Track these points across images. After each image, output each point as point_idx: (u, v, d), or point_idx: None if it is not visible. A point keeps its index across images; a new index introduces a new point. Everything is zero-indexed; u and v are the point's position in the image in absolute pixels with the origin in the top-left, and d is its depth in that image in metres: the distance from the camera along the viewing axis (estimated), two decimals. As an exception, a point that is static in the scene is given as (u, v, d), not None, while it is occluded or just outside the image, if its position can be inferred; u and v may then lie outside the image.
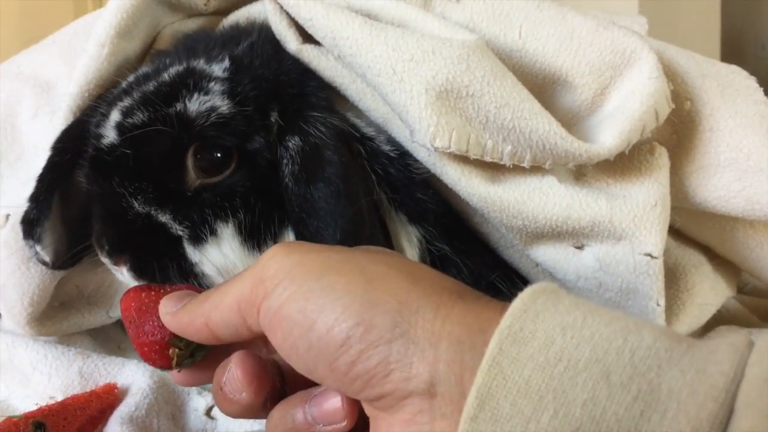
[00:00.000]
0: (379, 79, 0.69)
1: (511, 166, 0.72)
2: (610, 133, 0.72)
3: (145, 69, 0.77)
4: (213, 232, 0.71)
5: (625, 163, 0.76)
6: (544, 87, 0.76)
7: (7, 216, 0.81)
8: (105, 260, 0.73)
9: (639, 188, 0.74)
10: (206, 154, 0.70)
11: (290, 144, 0.71)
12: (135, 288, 0.67)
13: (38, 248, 0.78)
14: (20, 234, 0.79)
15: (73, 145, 0.79)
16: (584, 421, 0.40)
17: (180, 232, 0.71)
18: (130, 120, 0.70)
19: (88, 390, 0.79)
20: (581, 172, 0.76)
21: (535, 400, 0.42)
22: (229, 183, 0.71)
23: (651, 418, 0.39)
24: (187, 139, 0.69)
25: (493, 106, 0.69)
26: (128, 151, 0.70)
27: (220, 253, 0.72)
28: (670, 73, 0.77)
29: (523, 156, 0.70)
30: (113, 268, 0.73)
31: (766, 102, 0.79)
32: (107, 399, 0.77)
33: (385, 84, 0.69)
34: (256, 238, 0.72)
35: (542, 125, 0.69)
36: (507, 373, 0.42)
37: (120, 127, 0.71)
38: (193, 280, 0.71)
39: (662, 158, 0.77)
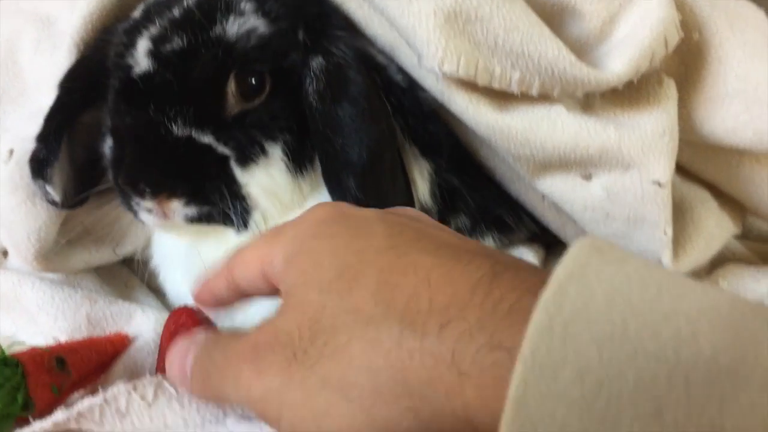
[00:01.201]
0: (386, 2, 0.68)
1: (519, 95, 0.71)
2: (620, 60, 0.71)
3: None
4: (263, 152, 0.71)
5: (633, 93, 0.76)
6: (552, 15, 0.75)
7: (11, 151, 0.80)
8: (145, 205, 0.71)
9: (647, 118, 0.74)
10: (248, 77, 0.69)
11: (314, 63, 0.71)
12: (180, 313, 0.70)
13: (48, 188, 0.77)
14: (25, 169, 0.78)
15: (81, 84, 0.78)
16: None
17: (227, 152, 0.70)
18: (166, 47, 0.69)
19: (95, 335, 0.79)
20: (589, 103, 0.75)
21: None
22: (273, 102, 0.71)
23: None
24: (230, 62, 0.69)
25: (501, 30, 0.68)
26: (167, 78, 0.68)
27: (267, 175, 0.72)
28: (679, 4, 0.77)
29: (532, 83, 0.70)
30: (155, 213, 0.71)
31: None
32: (119, 347, 0.77)
33: (392, 7, 0.68)
34: (298, 160, 0.72)
35: (551, 50, 0.69)
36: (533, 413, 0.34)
37: (155, 55, 0.69)
38: (240, 203, 0.71)
39: (670, 89, 0.77)
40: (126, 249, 0.88)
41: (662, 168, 0.72)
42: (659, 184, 0.72)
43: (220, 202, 0.70)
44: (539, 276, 0.39)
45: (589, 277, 0.36)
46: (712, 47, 0.78)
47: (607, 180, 0.74)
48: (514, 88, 0.70)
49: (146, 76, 0.69)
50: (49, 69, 0.82)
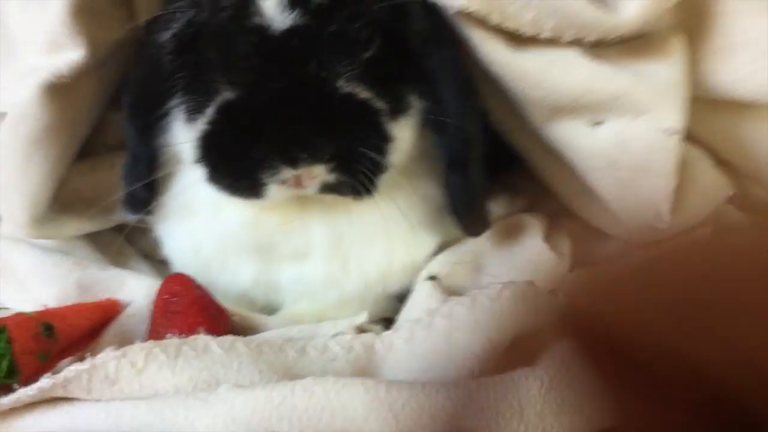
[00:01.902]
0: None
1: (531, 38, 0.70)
2: (632, 4, 0.70)
3: None
4: (408, 104, 0.70)
5: (645, 45, 0.75)
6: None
7: (3, 115, 0.77)
8: (283, 176, 0.66)
9: (661, 66, 0.73)
10: (391, 26, 0.68)
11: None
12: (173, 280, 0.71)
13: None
14: (19, 133, 0.75)
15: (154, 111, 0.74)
16: None
17: (381, 106, 0.68)
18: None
19: (85, 301, 0.76)
20: (602, 52, 0.74)
21: None
22: (404, 54, 0.70)
23: None
24: (374, 11, 0.66)
25: None
26: (320, 31, 0.64)
27: (409, 127, 0.71)
28: None
29: (544, 24, 0.68)
30: (290, 183, 0.67)
31: None
32: (110, 313, 0.75)
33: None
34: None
35: None
36: None
37: (300, 9, 0.64)
38: (386, 158, 0.68)
39: (679, 43, 0.76)
40: (118, 216, 0.85)
41: (675, 116, 0.72)
42: (671, 132, 0.72)
43: (363, 164, 0.67)
44: None
45: None
46: (715, 2, 0.78)
47: (616, 127, 0.73)
48: (527, 29, 0.68)
49: (294, 32, 0.64)
50: (37, 25, 0.78)
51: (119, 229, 0.88)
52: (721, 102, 0.82)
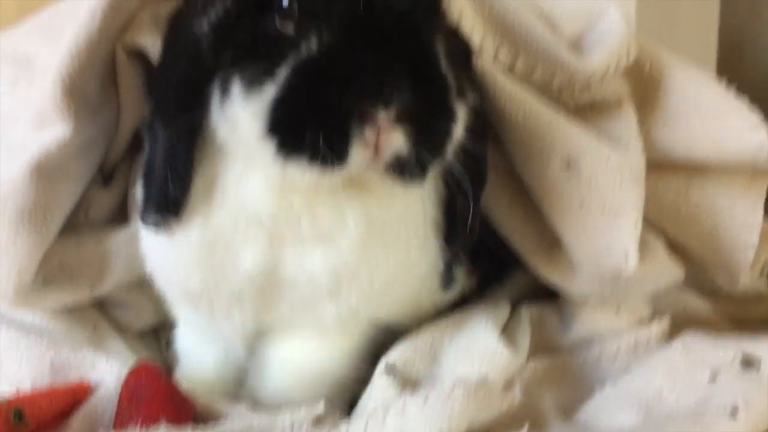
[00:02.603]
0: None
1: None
2: (594, 56, 0.81)
3: None
4: (465, 92, 0.70)
5: (596, 114, 0.84)
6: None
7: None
8: (368, 137, 0.62)
9: (620, 124, 0.84)
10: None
11: None
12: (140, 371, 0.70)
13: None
14: (7, 207, 0.77)
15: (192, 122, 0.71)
16: None
17: (452, 83, 0.66)
18: None
19: (56, 382, 0.77)
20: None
21: None
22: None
23: None
24: None
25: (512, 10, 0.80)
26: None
27: (463, 116, 0.69)
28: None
29: (516, 57, 0.80)
30: (369, 147, 0.63)
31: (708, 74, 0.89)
32: (80, 396, 0.75)
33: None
34: None
35: (539, 27, 0.79)
36: None
37: None
38: (451, 139, 0.67)
39: (629, 110, 0.85)
40: (103, 287, 0.87)
41: (639, 158, 0.81)
42: (637, 172, 0.80)
43: (437, 136, 0.66)
44: None
45: None
46: (663, 74, 0.87)
47: (587, 167, 0.79)
48: (501, 58, 0.80)
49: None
50: (25, 101, 0.83)
51: (98, 304, 0.90)
52: (670, 168, 0.88)
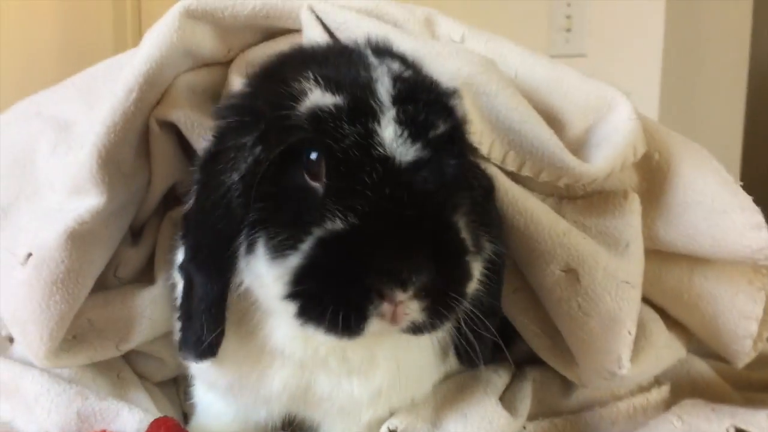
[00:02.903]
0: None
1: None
2: (599, 159, 0.83)
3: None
4: (483, 246, 0.73)
5: (601, 205, 0.87)
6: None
7: (29, 255, 0.84)
8: (386, 308, 0.65)
9: (618, 222, 0.86)
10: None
11: None
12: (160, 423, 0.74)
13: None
14: (42, 273, 0.82)
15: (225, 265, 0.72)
16: None
17: (470, 244, 0.69)
18: (433, 132, 0.68)
19: (83, 431, 0.83)
20: (560, 211, 0.86)
21: None
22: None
23: None
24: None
25: (504, 107, 0.82)
26: (441, 165, 0.68)
27: (480, 269, 0.72)
28: (643, 128, 0.87)
29: (523, 162, 0.83)
30: (387, 317, 0.65)
31: (718, 162, 0.89)
32: None
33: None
34: None
35: (545, 133, 0.81)
36: None
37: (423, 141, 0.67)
38: (466, 300, 0.70)
39: (635, 202, 0.87)
40: (128, 344, 0.92)
41: (635, 270, 0.83)
42: (633, 285, 0.82)
43: (453, 306, 0.68)
44: None
45: None
46: (671, 165, 0.89)
47: (586, 276, 0.82)
48: (508, 165, 0.83)
49: (419, 164, 0.66)
50: (62, 168, 0.88)
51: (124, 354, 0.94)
52: (673, 258, 0.91)
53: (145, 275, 0.95)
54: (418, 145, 0.66)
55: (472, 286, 0.70)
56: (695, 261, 0.91)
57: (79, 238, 0.84)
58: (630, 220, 0.85)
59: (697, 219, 0.87)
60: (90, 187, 0.85)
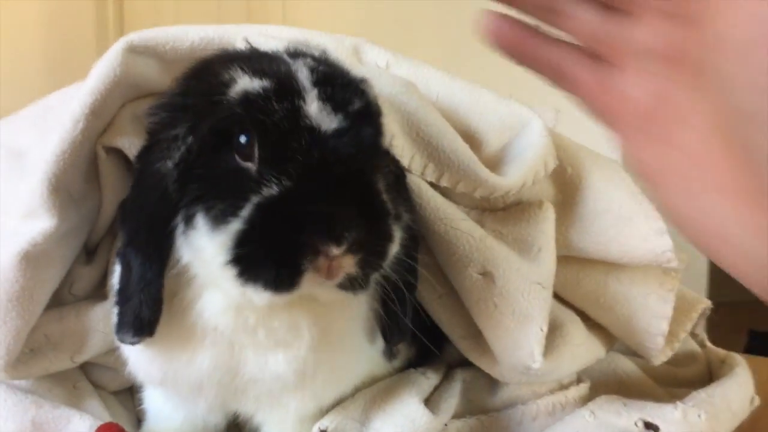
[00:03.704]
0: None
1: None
2: (512, 173, 0.91)
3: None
4: (401, 214, 0.80)
5: (518, 215, 0.95)
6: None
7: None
8: (321, 263, 0.71)
9: (532, 230, 0.94)
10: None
11: None
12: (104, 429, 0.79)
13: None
14: None
15: (161, 242, 0.79)
16: None
17: (391, 209, 0.76)
18: (351, 107, 0.76)
19: None
20: (481, 222, 0.94)
21: None
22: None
23: None
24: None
25: (423, 123, 0.90)
26: (362, 131, 0.76)
27: (400, 234, 0.79)
28: (556, 144, 0.95)
29: (442, 174, 0.90)
30: (322, 272, 0.71)
31: (626, 173, 0.98)
32: None
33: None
34: None
35: (461, 147, 0.89)
36: None
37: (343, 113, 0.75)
38: (388, 257, 0.77)
39: (548, 211, 0.95)
40: (83, 357, 0.98)
41: (547, 272, 0.91)
42: (544, 285, 0.90)
43: (382, 259, 0.75)
44: None
45: None
46: (582, 178, 0.97)
47: (499, 278, 0.89)
48: (428, 176, 0.90)
49: (341, 132, 0.74)
50: (16, 195, 0.94)
51: (80, 366, 1.01)
52: (590, 264, 0.99)
53: (99, 291, 1.01)
54: (339, 116, 0.74)
55: (394, 248, 0.77)
56: (610, 266, 0.99)
57: (32, 259, 0.90)
58: (543, 228, 0.93)
59: (607, 226, 0.95)
60: (42, 211, 0.91)
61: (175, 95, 0.82)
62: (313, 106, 0.74)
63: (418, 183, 0.90)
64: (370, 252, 0.74)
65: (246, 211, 0.71)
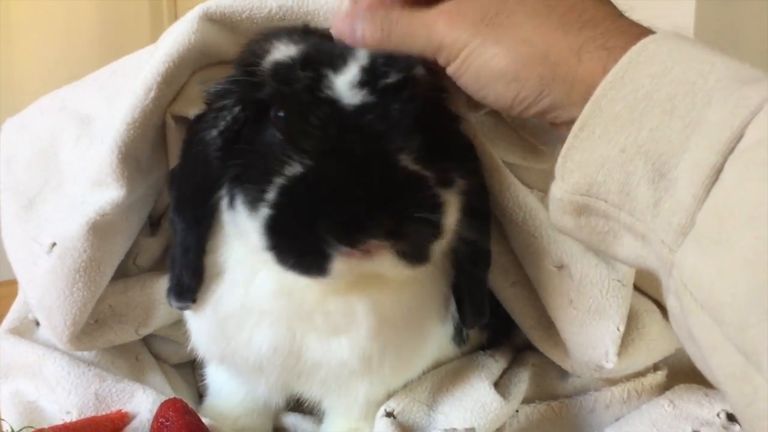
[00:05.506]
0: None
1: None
2: None
3: None
4: (453, 179, 0.74)
5: None
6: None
7: (53, 244, 0.88)
8: (345, 248, 0.67)
9: None
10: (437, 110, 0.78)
11: None
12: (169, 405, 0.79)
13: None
14: (66, 262, 0.87)
15: (204, 211, 0.79)
16: (647, 140, 0.57)
17: (430, 175, 0.70)
18: (383, 80, 0.71)
19: (100, 411, 0.88)
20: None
21: (618, 127, 0.58)
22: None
23: (692, 139, 0.55)
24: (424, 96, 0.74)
25: None
26: (389, 110, 0.70)
27: (456, 198, 0.74)
28: None
29: None
30: (350, 254, 0.67)
31: None
32: (119, 424, 0.86)
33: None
34: None
35: None
36: (603, 108, 0.60)
37: (371, 88, 0.70)
38: (442, 220, 0.71)
39: None
40: (147, 329, 0.97)
41: (622, 269, 0.86)
42: (624, 282, 0.85)
43: (422, 228, 0.69)
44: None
45: (662, 45, 0.60)
46: None
47: (577, 272, 0.85)
48: None
49: (364, 108, 0.69)
50: (84, 162, 0.92)
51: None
52: None
53: (163, 264, 1.00)
54: (365, 91, 0.70)
55: (448, 212, 0.71)
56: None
57: (100, 229, 0.88)
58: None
59: None
60: (111, 181, 0.89)
61: (231, 66, 0.81)
62: (342, 78, 0.70)
63: (499, 165, 0.86)
64: (416, 225, 0.68)
65: (271, 194, 0.69)
